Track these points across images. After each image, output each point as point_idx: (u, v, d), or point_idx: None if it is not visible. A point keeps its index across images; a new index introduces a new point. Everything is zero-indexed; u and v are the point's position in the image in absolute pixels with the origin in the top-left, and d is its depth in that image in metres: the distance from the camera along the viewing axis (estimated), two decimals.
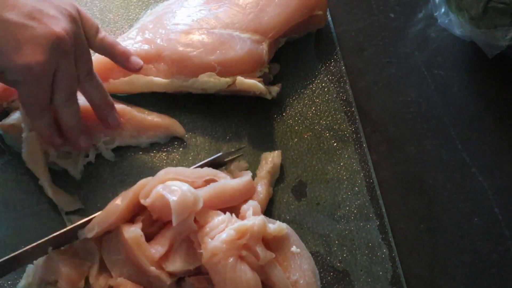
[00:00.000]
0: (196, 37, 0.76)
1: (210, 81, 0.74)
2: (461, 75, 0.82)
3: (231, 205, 0.67)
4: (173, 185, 0.62)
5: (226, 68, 0.74)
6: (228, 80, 0.74)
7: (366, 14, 0.87)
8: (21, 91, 0.62)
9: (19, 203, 0.70)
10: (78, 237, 0.64)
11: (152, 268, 0.62)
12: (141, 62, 0.71)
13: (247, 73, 0.74)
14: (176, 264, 0.62)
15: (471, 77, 0.82)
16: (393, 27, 0.86)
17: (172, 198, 0.60)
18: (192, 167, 0.69)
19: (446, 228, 0.71)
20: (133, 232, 0.62)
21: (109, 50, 0.69)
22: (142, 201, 0.64)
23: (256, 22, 0.76)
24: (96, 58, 0.73)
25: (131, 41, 0.77)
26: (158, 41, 0.76)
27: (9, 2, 0.58)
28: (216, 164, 0.71)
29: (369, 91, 0.81)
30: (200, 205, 0.61)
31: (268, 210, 0.70)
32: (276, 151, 0.73)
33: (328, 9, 0.82)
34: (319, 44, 0.83)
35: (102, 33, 0.68)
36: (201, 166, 0.69)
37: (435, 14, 0.80)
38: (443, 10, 0.79)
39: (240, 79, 0.73)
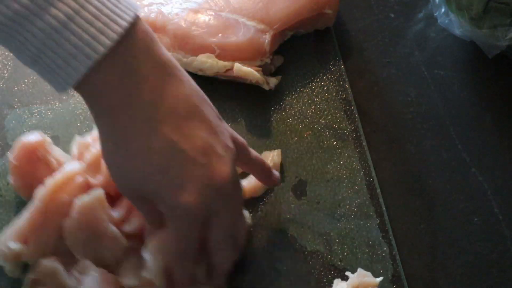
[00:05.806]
0: (203, 17, 0.77)
1: (208, 62, 0.75)
2: (461, 75, 0.82)
3: None
4: None
5: (226, 52, 0.75)
6: (226, 64, 0.75)
7: (366, 14, 0.87)
8: (172, 228, 0.57)
9: (18, 203, 0.69)
10: None
11: (113, 228, 0.62)
12: (279, 177, 0.68)
13: (247, 61, 0.75)
14: (133, 225, 0.63)
15: (471, 77, 0.82)
16: (393, 27, 0.86)
17: None
18: None
19: (446, 228, 0.71)
20: (95, 193, 0.62)
21: (257, 167, 0.66)
22: (93, 181, 0.64)
23: (263, 12, 0.77)
24: None
25: (141, 5, 0.79)
26: (166, 13, 0.78)
27: (185, 131, 0.53)
28: None
29: (369, 91, 0.81)
30: None
31: (268, 209, 0.70)
32: (276, 150, 0.73)
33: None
34: (319, 43, 0.83)
35: (252, 152, 0.64)
36: None
37: (435, 14, 0.80)
38: (443, 10, 0.79)
39: (237, 65, 0.74)
